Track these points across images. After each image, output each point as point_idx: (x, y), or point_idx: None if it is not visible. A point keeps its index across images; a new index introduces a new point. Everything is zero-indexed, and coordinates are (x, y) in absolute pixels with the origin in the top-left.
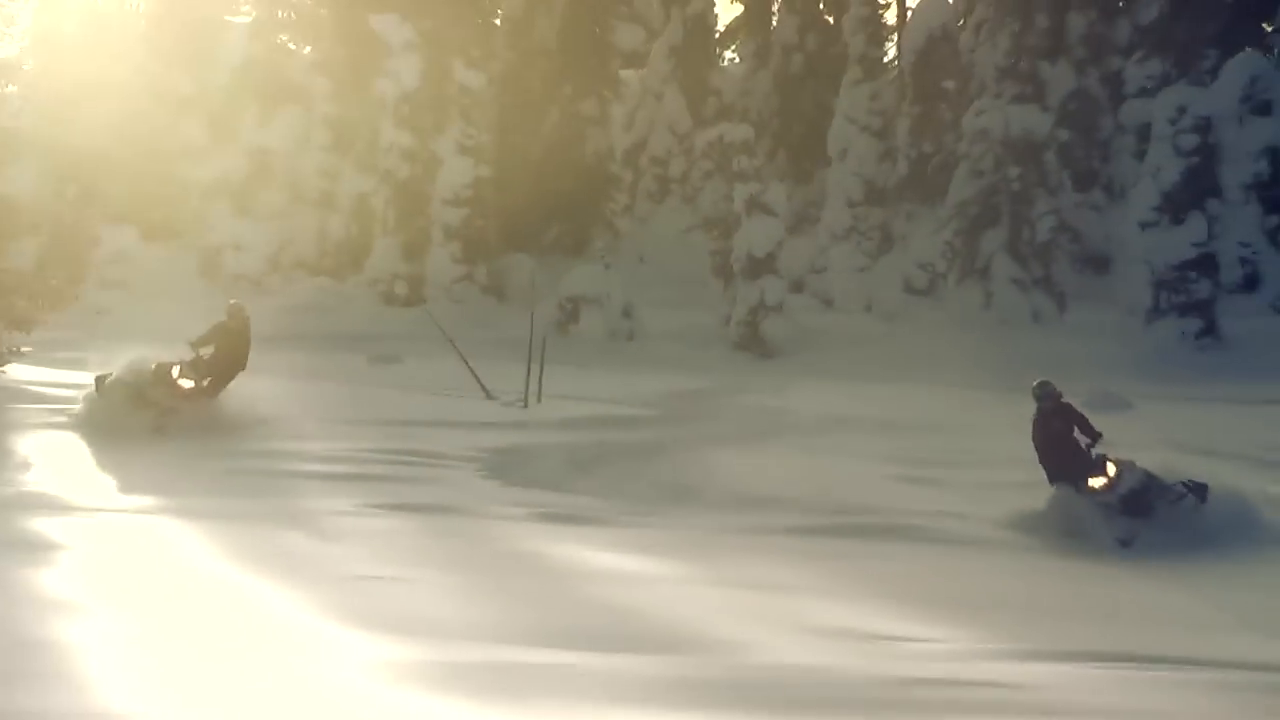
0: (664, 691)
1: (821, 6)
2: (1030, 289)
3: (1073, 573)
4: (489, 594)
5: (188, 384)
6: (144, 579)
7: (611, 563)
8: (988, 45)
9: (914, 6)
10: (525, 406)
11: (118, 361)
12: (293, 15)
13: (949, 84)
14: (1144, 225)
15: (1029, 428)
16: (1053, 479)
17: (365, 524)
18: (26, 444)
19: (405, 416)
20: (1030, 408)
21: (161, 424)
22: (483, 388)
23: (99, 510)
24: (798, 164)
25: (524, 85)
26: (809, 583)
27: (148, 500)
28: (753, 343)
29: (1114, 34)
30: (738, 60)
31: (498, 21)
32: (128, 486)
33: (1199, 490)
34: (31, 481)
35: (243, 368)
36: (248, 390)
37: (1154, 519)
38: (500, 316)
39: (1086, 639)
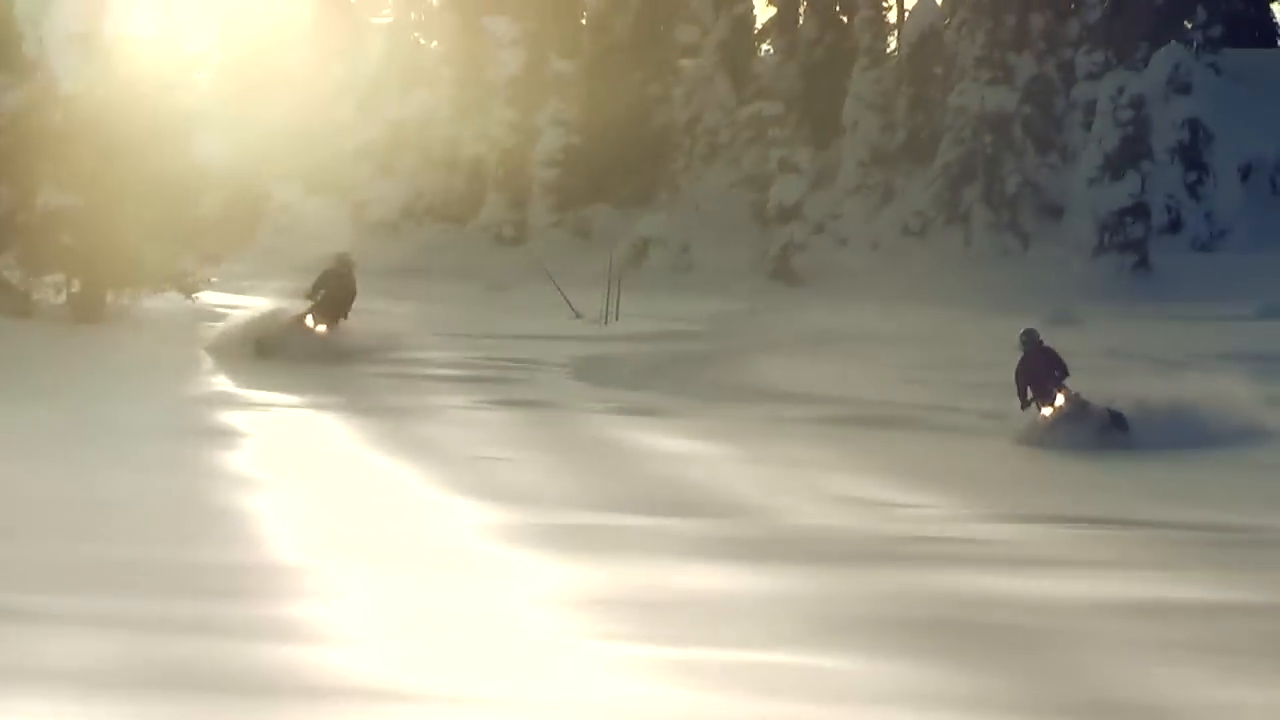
0: (714, 546)
1: (837, 9)
2: (1001, 231)
3: (1038, 455)
4: (577, 471)
5: (322, 328)
6: (305, 459)
7: (675, 446)
8: (968, 40)
9: (910, 9)
10: (605, 324)
11: (258, 314)
12: (423, 17)
13: (938, 70)
14: (1090, 181)
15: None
16: (1024, 406)
17: (479, 415)
18: (212, 353)
19: (510, 331)
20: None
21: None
22: (572, 309)
23: (270, 405)
24: (819, 133)
25: (605, 72)
26: (828, 460)
27: (308, 398)
28: (784, 274)
29: (1066, 30)
30: (772, 52)
31: (584, 22)
32: (292, 388)
33: (1119, 421)
34: (217, 383)
35: (350, 306)
36: (390, 311)
37: (1083, 437)
38: (586, 254)
39: (1047, 505)
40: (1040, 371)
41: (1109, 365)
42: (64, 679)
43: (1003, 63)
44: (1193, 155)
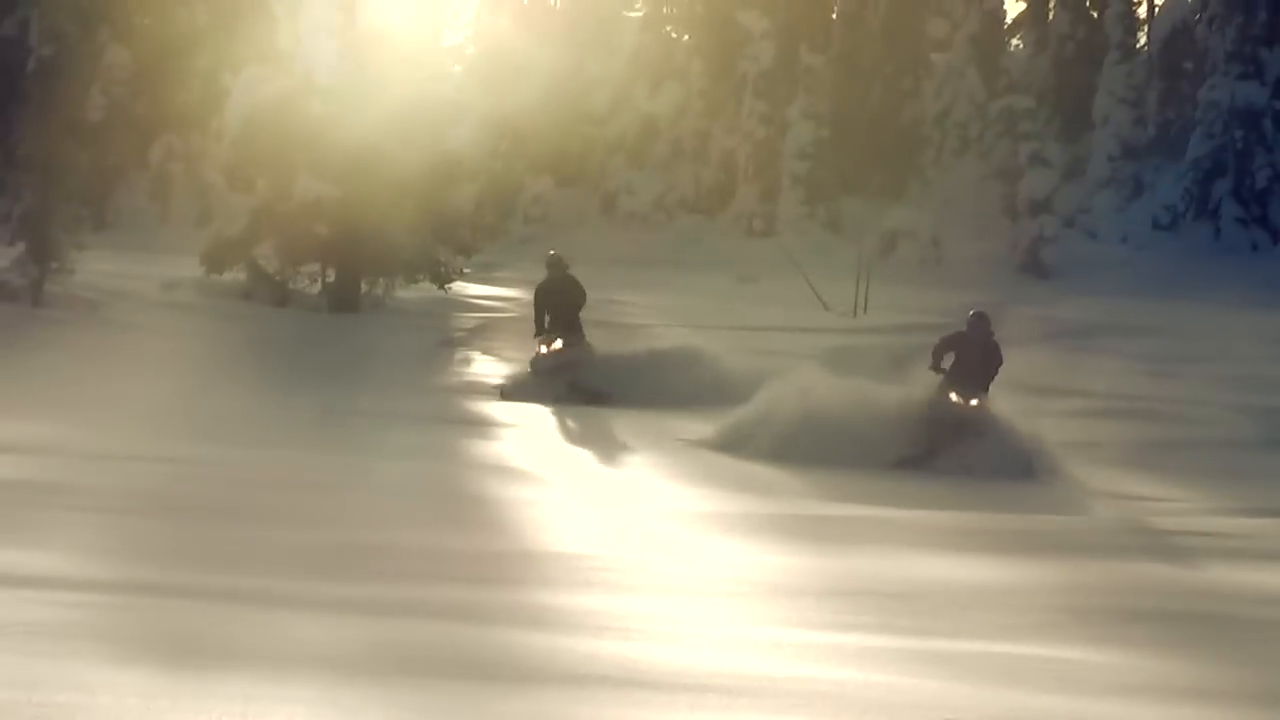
0: (956, 538)
1: (1088, 4)
2: (1250, 225)
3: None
4: (818, 462)
5: (559, 343)
6: (555, 448)
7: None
8: (1218, 34)
9: (1161, 4)
10: (855, 316)
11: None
12: (675, 10)
13: (1188, 65)
14: None
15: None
16: (935, 368)
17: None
18: (466, 342)
19: (760, 323)
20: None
21: (569, 387)
22: (821, 301)
23: None
24: (1069, 127)
25: (855, 65)
26: (1074, 452)
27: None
28: (1033, 266)
29: None
30: (1022, 46)
31: (835, 15)
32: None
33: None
34: (470, 372)
35: (581, 307)
36: (644, 301)
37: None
38: (835, 246)
39: None
40: (972, 359)
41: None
42: (319, 664)
43: (1254, 57)
44: None
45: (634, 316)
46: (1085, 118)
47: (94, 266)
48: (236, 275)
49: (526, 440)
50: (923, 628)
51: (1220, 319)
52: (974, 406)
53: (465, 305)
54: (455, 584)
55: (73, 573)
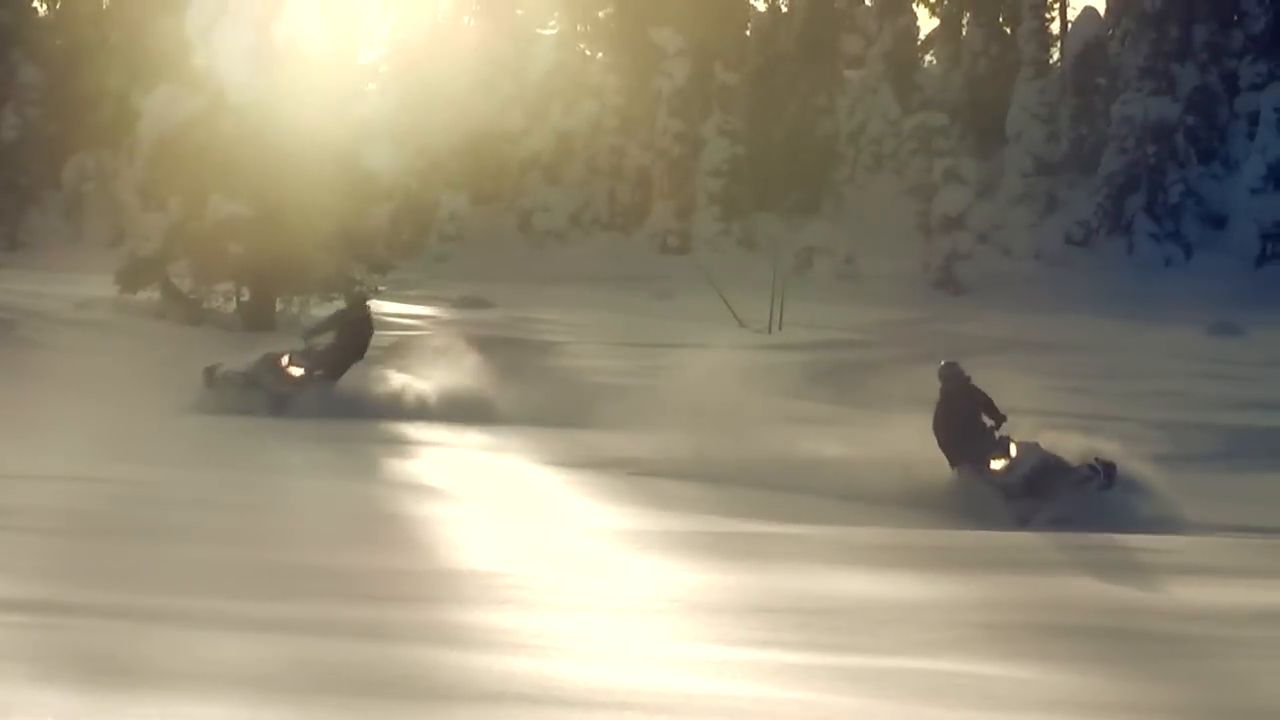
0: (874, 554)
1: (1001, 20)
2: (1163, 241)
3: (1185, 467)
4: (737, 479)
5: (297, 371)
6: (466, 466)
7: (836, 452)
8: (1131, 50)
9: (1074, 20)
10: (770, 333)
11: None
12: (589, 28)
13: (1101, 80)
14: (1253, 191)
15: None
16: (954, 462)
17: (637, 424)
18: (381, 360)
19: (675, 340)
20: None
21: (275, 407)
22: (736, 317)
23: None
24: (983, 143)
25: (770, 83)
26: None
27: (470, 408)
28: (947, 283)
29: (1230, 41)
30: (935, 62)
31: (749, 33)
32: (456, 399)
33: (1108, 471)
34: (386, 391)
35: (360, 357)
36: (560, 319)
37: (1055, 499)
38: (750, 263)
39: (1206, 514)
40: (968, 415)
41: (1271, 375)
42: (235, 683)
43: (1166, 73)
44: None
45: (549, 334)
46: (999, 134)
47: (7, 286)
48: (151, 294)
49: (441, 458)
50: (841, 644)
51: (1134, 335)
52: (1022, 449)
53: (380, 324)
54: (370, 603)
55: None
